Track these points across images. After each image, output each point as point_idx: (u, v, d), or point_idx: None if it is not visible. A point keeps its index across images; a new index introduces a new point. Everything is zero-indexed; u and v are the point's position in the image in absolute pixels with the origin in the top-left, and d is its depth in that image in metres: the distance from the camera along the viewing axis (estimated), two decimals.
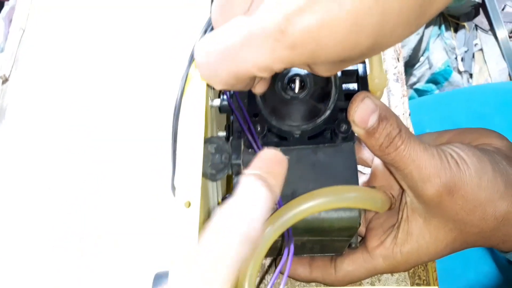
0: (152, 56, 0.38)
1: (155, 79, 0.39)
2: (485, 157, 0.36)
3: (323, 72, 0.27)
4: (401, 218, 0.38)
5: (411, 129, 0.59)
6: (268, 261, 0.45)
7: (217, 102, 0.35)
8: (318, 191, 0.32)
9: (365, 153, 0.45)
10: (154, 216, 0.31)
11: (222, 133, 0.40)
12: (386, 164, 0.37)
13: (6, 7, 0.63)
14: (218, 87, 0.26)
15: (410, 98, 1.50)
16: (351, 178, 0.34)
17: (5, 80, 0.44)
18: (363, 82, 0.38)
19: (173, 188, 0.31)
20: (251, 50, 0.23)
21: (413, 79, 1.50)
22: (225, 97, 0.34)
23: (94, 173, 0.40)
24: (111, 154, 0.40)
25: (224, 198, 0.36)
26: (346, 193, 0.32)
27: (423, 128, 0.71)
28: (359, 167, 0.45)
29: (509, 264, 0.53)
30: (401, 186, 0.38)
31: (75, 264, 0.39)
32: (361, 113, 0.33)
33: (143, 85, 0.39)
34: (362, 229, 0.42)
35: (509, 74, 1.49)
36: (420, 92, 1.51)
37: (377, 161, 0.42)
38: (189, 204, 0.26)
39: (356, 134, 0.35)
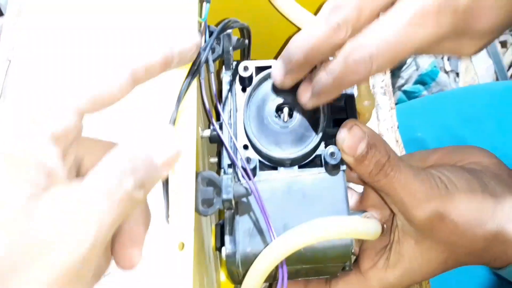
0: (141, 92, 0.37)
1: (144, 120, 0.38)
2: (474, 179, 0.36)
3: (470, 48, 0.30)
4: (393, 240, 0.38)
5: (400, 142, 0.60)
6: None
7: (207, 132, 0.35)
8: (310, 224, 0.32)
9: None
10: (146, 258, 0.31)
11: (214, 159, 0.40)
12: (376, 190, 0.38)
13: None
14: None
15: (399, 101, 1.51)
16: (342, 207, 0.35)
17: None
18: (351, 105, 0.38)
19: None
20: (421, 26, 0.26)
21: (400, 81, 1.51)
22: (214, 127, 0.34)
23: None
24: None
25: (218, 225, 0.36)
26: (338, 225, 0.32)
27: (413, 133, 0.71)
28: (352, 185, 0.45)
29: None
30: (391, 210, 0.38)
31: None
32: (349, 142, 0.34)
33: (135, 123, 0.38)
34: (356, 249, 0.42)
35: (495, 72, 1.51)
36: (408, 94, 1.52)
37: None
38: (183, 246, 0.26)
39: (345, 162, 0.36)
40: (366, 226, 0.34)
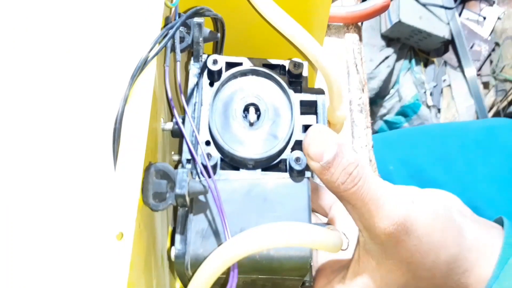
0: (99, 71, 0.35)
1: (100, 99, 0.35)
2: (438, 203, 0.36)
3: None
4: (352, 258, 0.37)
5: (374, 161, 0.59)
6: None
7: (169, 125, 0.33)
8: (268, 226, 0.30)
9: (324, 200, 0.44)
10: (82, 246, 0.28)
11: (176, 157, 0.38)
12: (341, 201, 0.36)
13: None
14: None
15: (379, 130, 1.52)
16: (304, 216, 0.33)
17: None
18: (321, 114, 0.37)
19: None
20: None
21: (383, 111, 1.52)
22: (177, 119, 0.33)
23: (20, 190, 0.34)
24: (44, 171, 0.35)
25: (174, 229, 0.34)
26: (297, 231, 0.30)
27: (385, 164, 0.71)
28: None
29: None
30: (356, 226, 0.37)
31: None
32: (316, 147, 0.32)
33: (90, 99, 0.35)
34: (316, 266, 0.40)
35: (476, 111, 1.53)
36: (389, 124, 1.52)
37: (335, 209, 0.41)
38: (122, 236, 0.24)
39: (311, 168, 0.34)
40: (327, 237, 0.32)
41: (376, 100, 1.49)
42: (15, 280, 0.23)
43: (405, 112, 1.53)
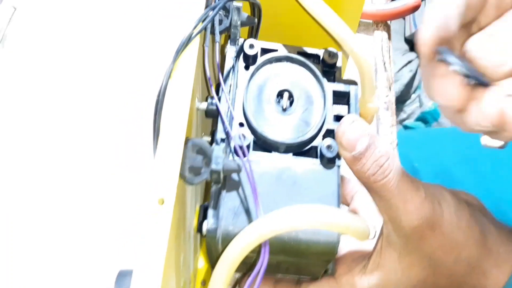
0: (142, 51, 0.37)
1: (144, 72, 0.38)
2: (463, 202, 0.36)
3: None
4: (374, 249, 0.37)
5: (398, 159, 0.59)
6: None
7: (204, 105, 0.34)
8: (300, 207, 0.30)
9: (346, 189, 0.44)
10: (124, 211, 0.29)
11: (208, 138, 0.39)
12: (369, 192, 0.36)
13: None
14: None
15: (398, 134, 1.51)
16: (332, 202, 0.33)
17: None
18: (353, 105, 0.37)
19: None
20: None
21: (402, 115, 1.51)
22: (213, 100, 0.33)
23: (68, 160, 0.38)
24: (89, 142, 0.38)
25: (202, 207, 0.34)
26: (330, 214, 0.31)
27: (409, 162, 0.71)
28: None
29: None
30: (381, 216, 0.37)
31: (37, 257, 0.38)
32: (349, 137, 0.33)
33: (136, 74, 0.38)
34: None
35: None
36: (408, 129, 1.52)
37: (357, 198, 0.41)
38: (163, 202, 0.24)
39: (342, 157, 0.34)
40: (358, 223, 0.32)
41: (396, 105, 1.48)
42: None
43: (425, 118, 1.52)
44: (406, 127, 1.53)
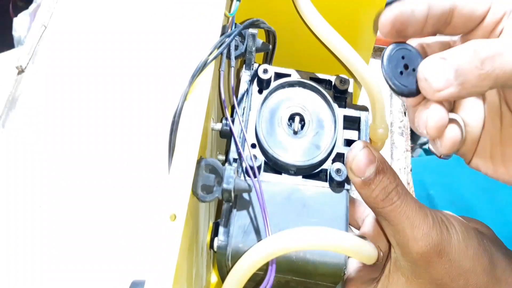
0: (162, 74, 0.40)
1: (163, 94, 0.40)
2: (471, 230, 0.36)
3: None
4: (383, 272, 0.37)
5: (412, 185, 0.59)
6: None
7: (218, 126, 0.36)
8: (309, 228, 0.31)
9: (357, 212, 0.45)
10: (138, 224, 0.31)
11: (222, 157, 0.40)
12: (377, 217, 0.37)
13: (34, 4, 0.65)
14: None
15: (419, 157, 1.50)
16: (341, 225, 0.34)
17: (21, 71, 0.46)
18: (364, 130, 0.38)
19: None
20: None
21: (423, 139, 1.50)
22: (227, 122, 0.35)
23: (87, 173, 0.40)
24: (107, 157, 0.40)
25: (215, 223, 0.36)
26: (337, 236, 0.31)
27: (425, 189, 0.71)
28: None
29: None
30: (389, 242, 0.37)
31: (52, 268, 0.39)
32: (359, 162, 0.33)
33: (154, 94, 0.40)
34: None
35: None
36: (428, 153, 1.50)
37: (368, 222, 0.42)
38: (175, 217, 0.26)
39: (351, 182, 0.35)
40: (365, 247, 0.33)
41: None
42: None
43: None
44: (426, 151, 1.52)
